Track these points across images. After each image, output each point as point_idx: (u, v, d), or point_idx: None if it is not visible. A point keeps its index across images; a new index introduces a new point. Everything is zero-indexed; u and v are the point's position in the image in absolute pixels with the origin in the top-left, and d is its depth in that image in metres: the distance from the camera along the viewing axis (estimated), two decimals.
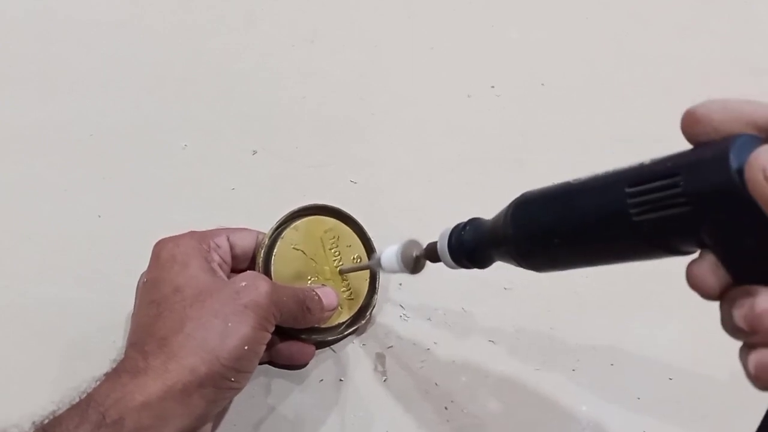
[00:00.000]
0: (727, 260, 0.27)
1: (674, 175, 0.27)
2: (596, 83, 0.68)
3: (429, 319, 0.54)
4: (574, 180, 0.33)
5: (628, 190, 0.29)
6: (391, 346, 0.53)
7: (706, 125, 0.27)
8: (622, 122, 0.65)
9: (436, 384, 0.52)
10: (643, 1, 0.75)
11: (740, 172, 0.24)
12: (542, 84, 0.68)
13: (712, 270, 0.27)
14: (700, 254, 0.28)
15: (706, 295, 0.28)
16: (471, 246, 0.40)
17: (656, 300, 0.55)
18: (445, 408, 0.51)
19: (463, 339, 0.53)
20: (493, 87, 0.67)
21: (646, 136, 0.64)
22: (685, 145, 0.29)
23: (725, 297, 0.27)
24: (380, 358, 0.52)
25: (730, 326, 0.28)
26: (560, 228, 0.33)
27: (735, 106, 0.27)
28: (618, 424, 0.51)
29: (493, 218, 0.38)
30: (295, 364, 0.51)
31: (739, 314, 0.26)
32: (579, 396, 0.51)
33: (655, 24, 0.73)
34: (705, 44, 0.72)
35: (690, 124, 0.28)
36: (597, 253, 0.32)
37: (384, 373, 0.52)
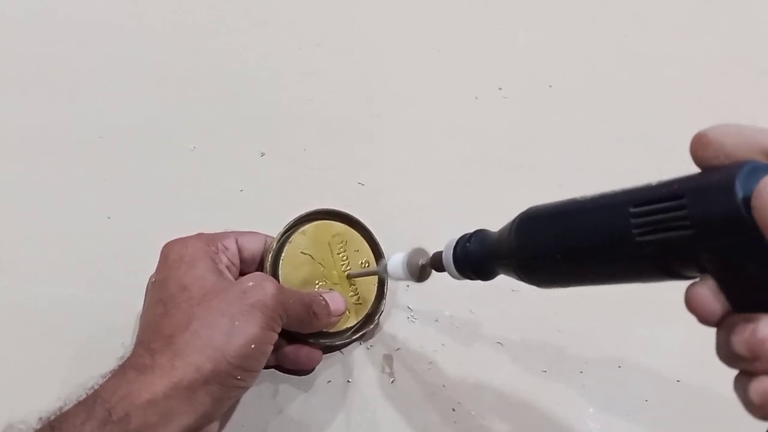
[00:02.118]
0: (727, 287, 0.26)
1: (680, 197, 0.26)
2: (603, 85, 0.69)
3: (436, 321, 0.54)
4: (580, 197, 0.33)
5: (632, 209, 0.28)
6: (399, 348, 0.53)
7: (716, 150, 0.27)
8: (629, 124, 0.65)
9: (443, 386, 0.52)
10: (648, 2, 0.75)
11: (746, 199, 0.24)
12: (550, 86, 0.68)
13: (711, 295, 0.27)
14: (701, 279, 0.27)
15: (704, 320, 0.27)
16: (475, 258, 0.40)
17: (663, 302, 0.55)
18: (453, 410, 0.51)
19: (471, 341, 0.54)
20: (500, 89, 0.67)
21: (652, 137, 0.64)
22: (689, 163, 0.29)
23: (723, 324, 0.27)
24: (387, 359, 0.52)
25: (726, 353, 0.27)
26: (563, 245, 0.33)
27: (748, 133, 0.27)
28: (625, 426, 0.51)
29: (499, 231, 0.38)
30: (301, 369, 0.51)
31: (739, 340, 0.26)
32: (586, 398, 0.51)
33: (659, 25, 0.73)
34: (707, 45, 0.72)
35: (699, 147, 0.28)
36: (599, 272, 0.32)
37: (391, 374, 0.52)
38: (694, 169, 0.28)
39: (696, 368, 0.52)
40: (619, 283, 0.32)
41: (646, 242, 0.28)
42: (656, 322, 0.55)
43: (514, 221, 0.36)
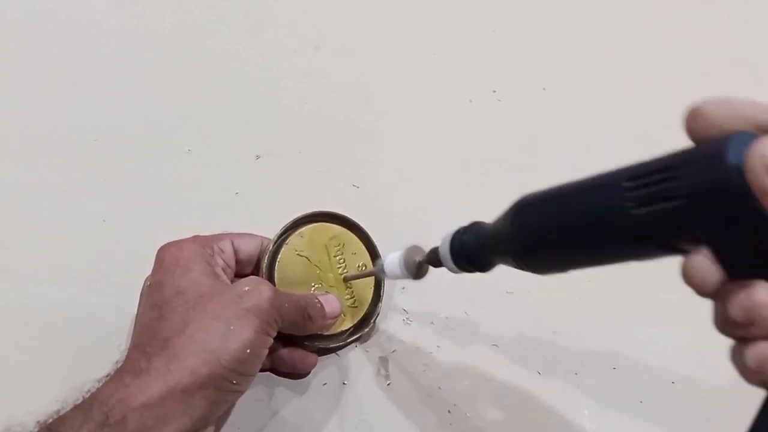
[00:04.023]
0: (722, 255, 0.27)
1: (672, 168, 0.27)
2: (597, 87, 0.69)
3: (432, 323, 0.54)
4: (570, 181, 0.33)
5: (626, 184, 0.29)
6: (394, 350, 0.53)
7: (708, 123, 0.28)
8: (624, 125, 0.66)
9: (438, 388, 0.52)
10: (644, 3, 0.75)
11: (737, 166, 0.25)
12: (544, 88, 0.68)
13: (707, 265, 0.27)
14: (696, 250, 0.28)
15: (701, 290, 0.28)
16: (472, 249, 0.40)
17: (658, 304, 0.55)
18: (448, 412, 0.51)
19: (466, 343, 0.54)
20: (494, 92, 0.67)
21: (648, 138, 0.64)
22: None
23: (719, 293, 0.28)
24: (383, 362, 0.53)
25: (723, 321, 0.28)
26: (560, 226, 0.33)
27: (737, 106, 0.27)
28: (620, 427, 0.51)
29: (494, 221, 0.39)
30: (296, 373, 0.51)
31: (734, 306, 0.27)
32: (581, 400, 0.51)
33: (656, 26, 0.74)
34: (705, 45, 0.72)
35: (693, 121, 0.29)
36: (596, 251, 0.32)
37: (387, 377, 0.52)
38: None
39: (691, 369, 0.53)
40: (617, 262, 0.32)
41: (641, 215, 0.28)
42: (651, 323, 0.55)
43: (509, 209, 0.36)
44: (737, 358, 0.28)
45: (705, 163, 0.26)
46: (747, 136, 0.26)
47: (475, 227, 0.41)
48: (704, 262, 0.27)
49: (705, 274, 0.27)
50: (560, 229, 0.33)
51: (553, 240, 0.33)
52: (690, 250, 0.28)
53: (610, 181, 0.30)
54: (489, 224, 0.40)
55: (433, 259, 0.43)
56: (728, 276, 0.27)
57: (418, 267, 0.45)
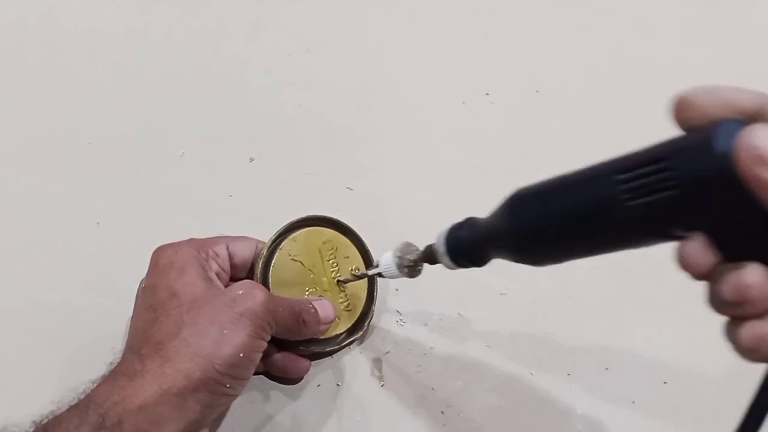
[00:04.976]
0: (716, 239, 0.28)
1: (663, 159, 0.28)
2: (590, 89, 0.69)
3: (425, 324, 0.54)
4: (563, 173, 0.33)
5: (619, 176, 0.29)
6: (388, 352, 0.53)
7: (696, 111, 0.28)
8: (617, 127, 0.66)
9: (432, 389, 0.52)
10: (640, 8, 0.75)
11: (725, 154, 0.25)
12: (536, 91, 0.68)
13: (701, 250, 0.28)
14: (690, 236, 0.28)
15: (696, 274, 0.29)
16: (468, 244, 0.40)
17: (651, 304, 0.56)
18: (442, 412, 0.51)
19: (460, 344, 0.54)
20: (487, 94, 0.68)
21: (641, 140, 0.64)
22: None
23: (713, 275, 0.28)
24: (377, 363, 0.53)
25: (716, 301, 0.29)
26: (556, 219, 0.33)
27: (722, 93, 0.28)
28: (613, 427, 0.51)
29: (489, 215, 0.39)
30: (289, 378, 0.51)
31: (726, 287, 0.27)
32: (574, 400, 0.52)
33: (650, 29, 0.74)
34: (705, 51, 0.72)
35: (680, 109, 0.29)
36: (592, 241, 0.33)
37: (381, 378, 0.52)
38: None
39: (683, 370, 0.53)
40: (612, 251, 0.32)
41: (635, 206, 0.29)
42: (644, 323, 0.55)
43: (503, 203, 0.37)
44: (732, 336, 0.29)
45: (694, 153, 0.26)
46: (734, 123, 0.26)
47: (469, 222, 0.41)
48: (698, 247, 0.28)
49: (699, 259, 0.28)
50: (555, 223, 0.33)
51: (548, 233, 0.34)
52: (684, 236, 0.29)
53: (603, 173, 0.31)
54: (483, 219, 0.40)
55: (429, 256, 0.43)
56: (723, 259, 0.28)
57: (413, 265, 0.45)
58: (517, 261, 0.37)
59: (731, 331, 0.29)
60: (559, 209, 0.33)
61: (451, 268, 0.42)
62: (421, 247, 0.45)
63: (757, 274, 0.27)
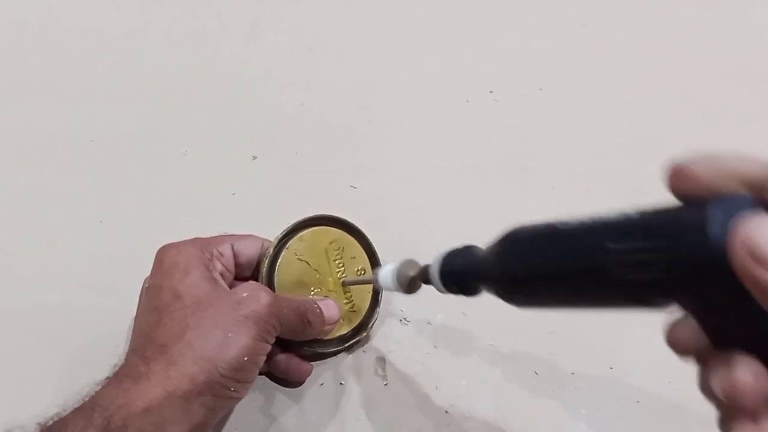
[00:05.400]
0: (706, 325, 0.26)
1: (655, 236, 0.26)
2: (593, 87, 0.69)
3: (429, 323, 0.54)
4: (560, 223, 0.32)
5: (610, 245, 0.28)
6: (392, 351, 0.53)
7: (693, 182, 0.26)
8: (620, 125, 0.66)
9: (436, 388, 0.52)
10: (641, 8, 0.75)
11: (718, 243, 0.23)
12: (540, 89, 0.68)
13: (690, 333, 0.27)
14: (681, 316, 0.27)
15: (684, 355, 0.27)
16: (460, 274, 0.40)
17: None
18: (446, 412, 0.51)
19: (463, 343, 0.54)
20: (491, 92, 0.67)
21: (644, 139, 0.65)
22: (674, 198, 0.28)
23: (702, 359, 0.27)
24: (380, 361, 0.53)
25: (707, 390, 0.27)
26: (543, 275, 0.33)
27: (724, 163, 0.25)
28: (617, 427, 0.51)
29: (484, 251, 0.39)
30: (291, 380, 0.51)
31: (717, 381, 0.26)
32: (578, 399, 0.52)
33: (653, 28, 0.74)
34: (705, 51, 0.72)
35: (676, 179, 0.26)
36: (579, 302, 0.32)
37: (384, 377, 0.52)
38: None
39: (688, 370, 0.52)
40: (599, 309, 0.31)
41: (625, 280, 0.27)
42: (648, 322, 0.54)
43: (497, 243, 0.36)
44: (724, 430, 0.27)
45: (687, 237, 0.25)
46: (732, 204, 0.24)
47: (466, 252, 0.41)
48: (688, 329, 0.27)
49: (687, 341, 0.27)
50: (543, 279, 0.33)
51: (535, 287, 0.34)
52: (676, 308, 0.28)
53: (595, 239, 0.29)
54: (479, 252, 0.39)
55: (425, 275, 0.43)
56: (712, 345, 0.27)
57: (410, 282, 0.45)
58: (501, 299, 0.37)
59: (724, 427, 0.27)
60: (548, 264, 0.32)
61: (442, 293, 0.42)
62: (423, 258, 0.45)
63: (749, 371, 0.25)
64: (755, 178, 0.25)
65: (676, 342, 0.27)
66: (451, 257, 0.41)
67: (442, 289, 0.42)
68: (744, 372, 0.25)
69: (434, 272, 0.42)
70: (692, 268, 0.25)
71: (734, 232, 0.23)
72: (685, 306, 0.27)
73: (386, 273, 0.46)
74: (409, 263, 0.45)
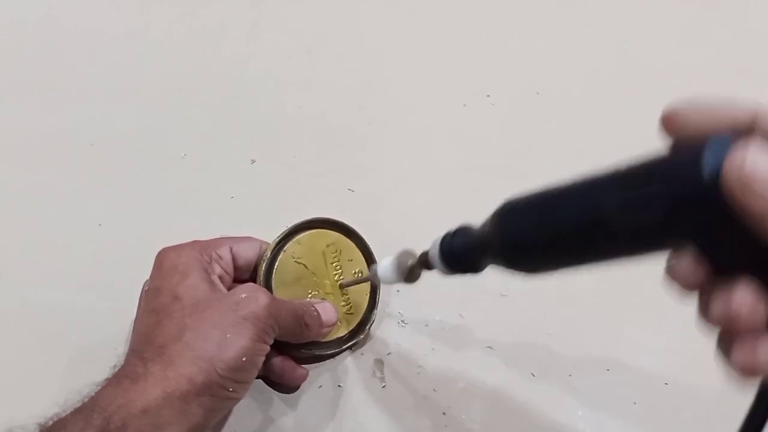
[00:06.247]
0: (706, 253, 0.27)
1: (651, 178, 0.27)
2: (590, 91, 0.69)
3: (427, 325, 0.54)
4: (554, 186, 0.33)
5: (608, 192, 0.29)
6: (389, 353, 0.53)
7: (685, 125, 0.28)
8: (617, 128, 0.66)
9: (434, 390, 0.52)
10: (640, 9, 0.75)
11: (713, 175, 0.25)
12: (537, 92, 0.68)
13: (691, 264, 0.27)
14: (681, 249, 0.28)
15: (686, 287, 0.28)
16: (462, 251, 0.40)
17: (651, 305, 0.55)
18: (443, 414, 0.51)
19: (461, 345, 0.54)
20: (488, 96, 0.67)
21: (642, 140, 0.65)
22: None
23: (703, 289, 0.28)
24: (378, 364, 0.53)
25: (706, 317, 0.28)
26: (544, 234, 0.33)
27: (712, 106, 0.27)
28: (614, 429, 0.51)
29: (480, 227, 0.39)
30: (286, 384, 0.51)
31: (717, 304, 0.27)
32: (575, 401, 0.52)
33: (651, 30, 0.74)
34: (705, 51, 0.72)
35: (669, 123, 0.28)
36: (581, 254, 0.33)
37: (382, 379, 0.52)
38: None
39: (684, 371, 0.53)
40: (604, 263, 0.32)
41: (624, 223, 0.28)
42: (645, 324, 0.55)
43: (493, 214, 0.37)
44: (724, 357, 0.28)
45: (683, 174, 0.26)
46: (724, 140, 0.26)
47: (462, 230, 0.41)
48: (688, 261, 0.27)
49: (689, 273, 0.27)
50: (544, 236, 0.33)
51: (537, 245, 0.34)
52: (678, 246, 0.28)
53: (591, 191, 0.30)
54: (476, 228, 0.40)
55: (425, 262, 0.43)
56: (713, 273, 0.27)
57: (410, 271, 0.45)
58: (509, 270, 0.37)
59: (723, 351, 0.28)
60: (548, 222, 0.33)
61: (447, 275, 0.42)
62: (418, 253, 0.45)
63: (748, 293, 0.26)
64: (743, 119, 0.27)
65: (677, 276, 0.28)
66: (448, 238, 0.41)
67: (446, 270, 0.41)
68: (744, 292, 0.26)
69: (435, 255, 0.42)
70: (690, 201, 0.26)
71: (727, 163, 0.24)
72: (683, 241, 0.27)
73: (385, 265, 0.46)
74: (407, 253, 0.45)
